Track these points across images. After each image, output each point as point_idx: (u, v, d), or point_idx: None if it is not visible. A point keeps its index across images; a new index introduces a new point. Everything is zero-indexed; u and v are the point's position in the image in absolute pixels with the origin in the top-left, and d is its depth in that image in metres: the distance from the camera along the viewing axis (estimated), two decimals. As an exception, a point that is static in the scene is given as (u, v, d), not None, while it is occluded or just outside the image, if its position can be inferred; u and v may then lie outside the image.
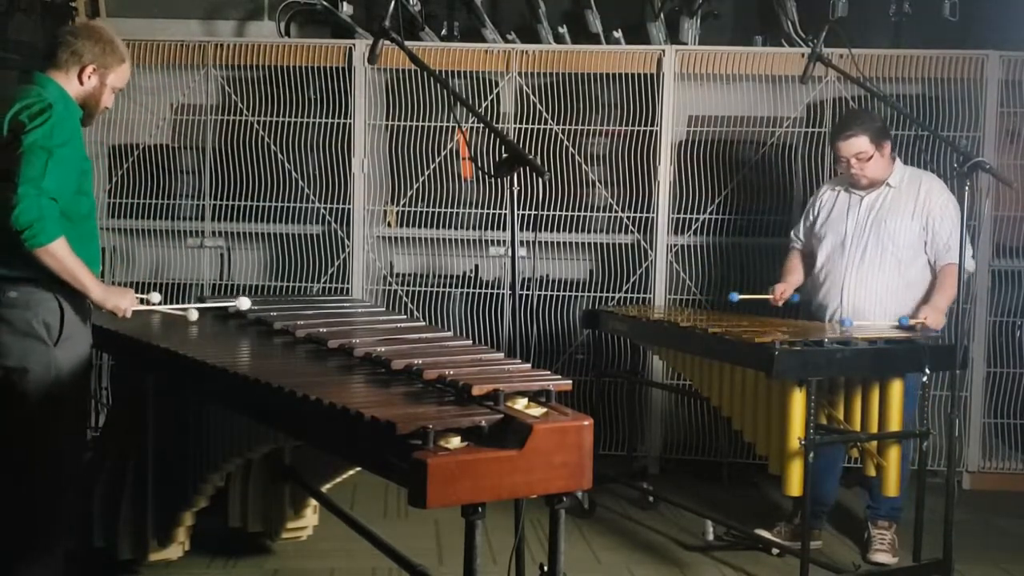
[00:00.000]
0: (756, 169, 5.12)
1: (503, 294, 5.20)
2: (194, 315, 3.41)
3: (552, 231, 5.20)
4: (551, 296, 5.24)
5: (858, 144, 3.86)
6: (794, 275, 4.17)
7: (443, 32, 5.47)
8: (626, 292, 5.19)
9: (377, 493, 4.55)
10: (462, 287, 5.25)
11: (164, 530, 3.39)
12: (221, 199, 5.22)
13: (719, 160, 5.13)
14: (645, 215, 5.15)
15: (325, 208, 5.20)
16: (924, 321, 3.77)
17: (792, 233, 4.29)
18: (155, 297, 3.31)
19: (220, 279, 5.31)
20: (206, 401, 3.08)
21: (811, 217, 4.16)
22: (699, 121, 5.25)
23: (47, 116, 2.92)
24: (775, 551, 3.92)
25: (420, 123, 5.18)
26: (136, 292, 3.18)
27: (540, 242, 5.24)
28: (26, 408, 2.98)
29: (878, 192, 3.95)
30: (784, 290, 4.08)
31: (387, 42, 3.16)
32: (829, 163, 5.01)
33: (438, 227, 5.23)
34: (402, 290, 5.24)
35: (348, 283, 5.19)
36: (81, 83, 3.10)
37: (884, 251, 3.91)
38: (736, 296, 4.15)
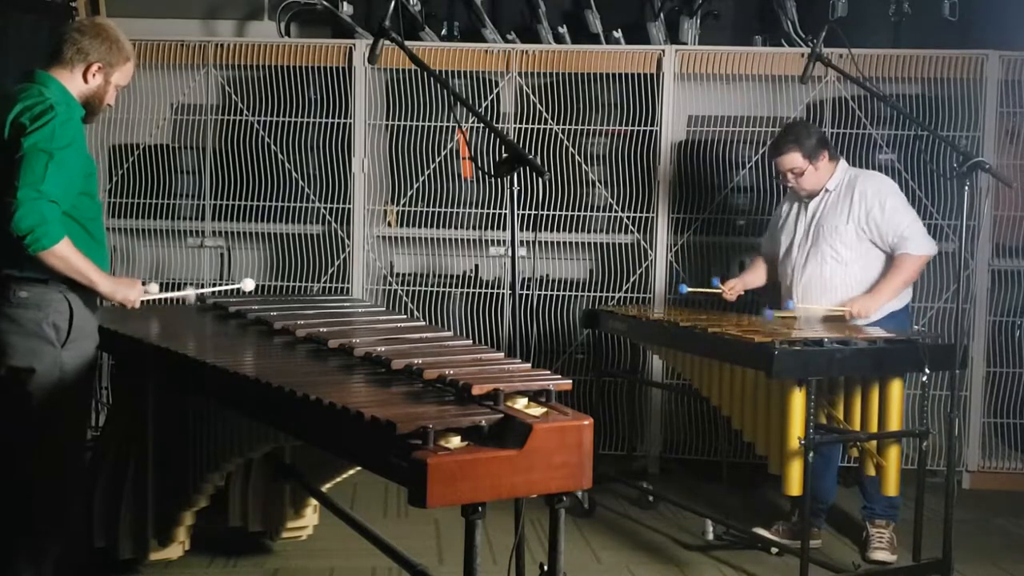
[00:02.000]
0: (756, 169, 5.12)
1: (503, 294, 5.20)
2: (191, 296, 3.43)
3: (552, 231, 5.21)
4: (551, 296, 5.25)
5: (791, 160, 3.98)
6: (751, 275, 4.35)
7: (443, 32, 5.47)
8: (626, 292, 5.19)
9: (377, 493, 4.55)
10: (462, 287, 5.25)
11: (164, 529, 3.39)
12: (221, 199, 5.22)
13: (719, 160, 5.13)
14: (645, 215, 5.16)
15: (325, 208, 5.20)
16: (850, 310, 3.87)
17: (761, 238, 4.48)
18: (153, 287, 3.29)
19: (220, 279, 5.31)
20: (206, 401, 3.08)
21: (774, 227, 4.31)
22: (699, 121, 5.25)
23: (49, 118, 2.88)
24: (774, 550, 3.92)
25: (420, 123, 5.18)
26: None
27: (540, 242, 5.24)
28: (30, 408, 2.98)
29: (820, 198, 4.05)
30: (734, 286, 4.24)
31: (387, 42, 3.16)
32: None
33: (438, 227, 5.24)
34: (402, 290, 5.25)
35: (348, 283, 5.19)
36: (86, 81, 3.06)
37: (823, 254, 3.99)
38: (685, 288, 4.34)
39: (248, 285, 3.47)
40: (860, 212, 3.93)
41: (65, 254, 2.86)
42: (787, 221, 4.17)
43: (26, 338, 2.96)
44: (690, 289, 4.36)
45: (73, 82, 3.05)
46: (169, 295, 3.53)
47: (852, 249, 3.95)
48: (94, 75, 3.07)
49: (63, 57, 3.04)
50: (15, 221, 2.77)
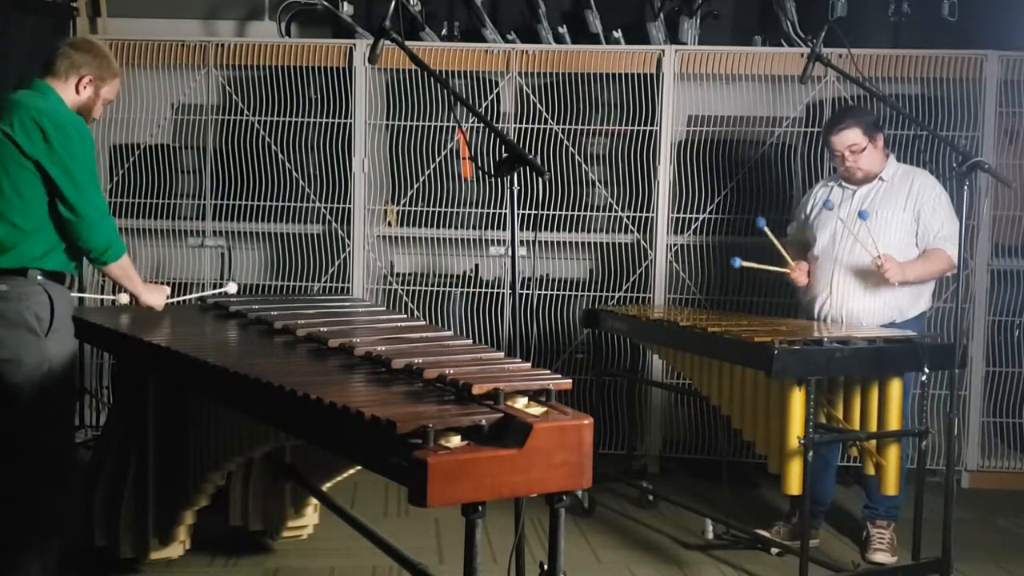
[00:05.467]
0: (755, 169, 5.13)
1: (503, 294, 5.20)
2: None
3: (552, 231, 5.21)
4: (551, 296, 5.25)
5: (851, 136, 3.89)
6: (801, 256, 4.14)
7: (443, 32, 5.47)
8: (626, 291, 5.20)
9: (377, 492, 4.56)
10: (462, 287, 5.25)
11: (165, 529, 3.40)
12: (222, 199, 5.23)
13: (719, 160, 5.14)
14: (645, 215, 5.16)
15: (325, 208, 5.20)
16: (882, 262, 3.72)
17: (788, 228, 4.32)
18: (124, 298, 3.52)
19: (221, 278, 5.32)
20: (207, 400, 3.09)
21: (804, 212, 4.18)
22: (699, 121, 5.25)
23: (76, 131, 3.05)
24: (774, 550, 3.93)
25: (420, 123, 5.18)
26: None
27: (540, 242, 5.24)
28: (18, 400, 3.01)
29: (871, 186, 3.98)
30: (802, 265, 4.03)
31: (387, 42, 3.16)
32: (828, 162, 5.01)
33: (438, 227, 5.24)
34: (402, 289, 5.25)
35: (348, 282, 5.20)
36: (78, 92, 3.20)
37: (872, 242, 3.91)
38: (738, 261, 3.97)
39: (230, 288, 3.79)
40: (917, 204, 3.87)
41: (125, 265, 3.24)
42: (826, 208, 4.03)
43: (10, 330, 3.02)
44: (745, 263, 3.95)
45: (67, 93, 3.19)
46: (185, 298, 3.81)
47: (901, 241, 3.88)
48: (85, 87, 3.21)
49: (56, 69, 3.19)
50: (90, 238, 3.08)
